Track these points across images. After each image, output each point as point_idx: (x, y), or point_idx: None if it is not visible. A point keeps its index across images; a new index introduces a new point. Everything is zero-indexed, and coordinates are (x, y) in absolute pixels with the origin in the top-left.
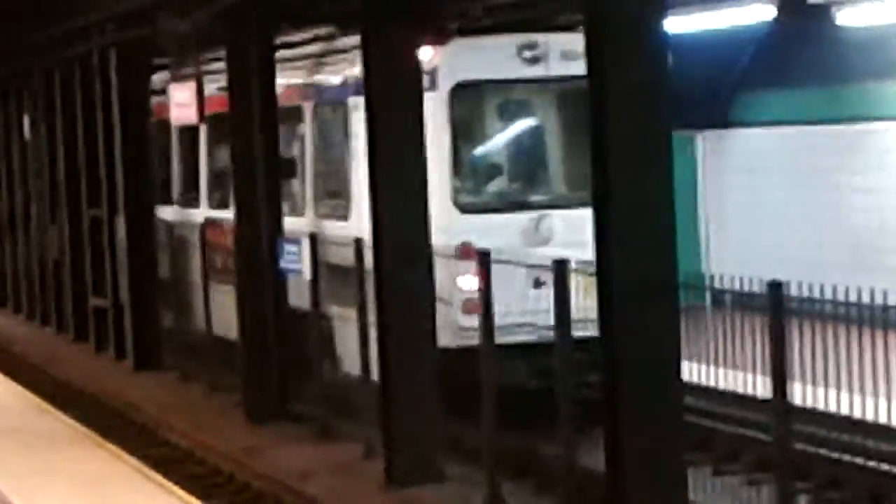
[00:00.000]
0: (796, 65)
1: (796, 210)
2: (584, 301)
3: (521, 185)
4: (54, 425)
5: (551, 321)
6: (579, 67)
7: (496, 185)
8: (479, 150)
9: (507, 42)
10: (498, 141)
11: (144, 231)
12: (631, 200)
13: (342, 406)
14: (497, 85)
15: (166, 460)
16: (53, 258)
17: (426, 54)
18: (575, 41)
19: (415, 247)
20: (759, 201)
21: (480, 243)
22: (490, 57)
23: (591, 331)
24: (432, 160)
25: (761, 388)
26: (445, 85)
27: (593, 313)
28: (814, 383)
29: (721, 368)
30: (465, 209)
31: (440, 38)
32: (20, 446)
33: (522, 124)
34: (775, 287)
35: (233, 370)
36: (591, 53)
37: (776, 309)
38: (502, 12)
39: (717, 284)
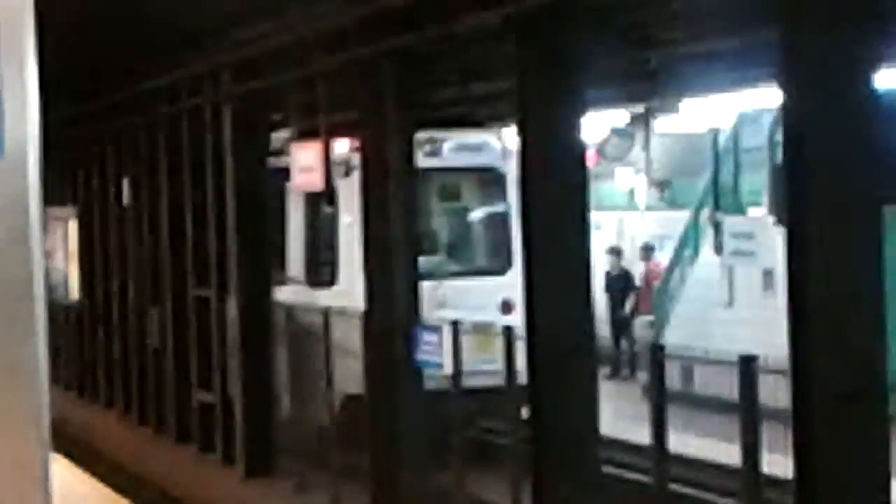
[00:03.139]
0: None
1: None
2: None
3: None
4: None
5: None
6: (469, 158)
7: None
8: None
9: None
10: None
11: (259, 314)
12: (832, 289)
13: None
14: None
15: None
16: (154, 345)
17: (342, 146)
18: (467, 136)
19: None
20: None
21: None
22: None
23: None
24: (350, 236)
25: None
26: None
27: None
28: None
29: None
30: None
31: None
32: None
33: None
34: None
35: (358, 477)
36: (787, 115)
37: None
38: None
39: None
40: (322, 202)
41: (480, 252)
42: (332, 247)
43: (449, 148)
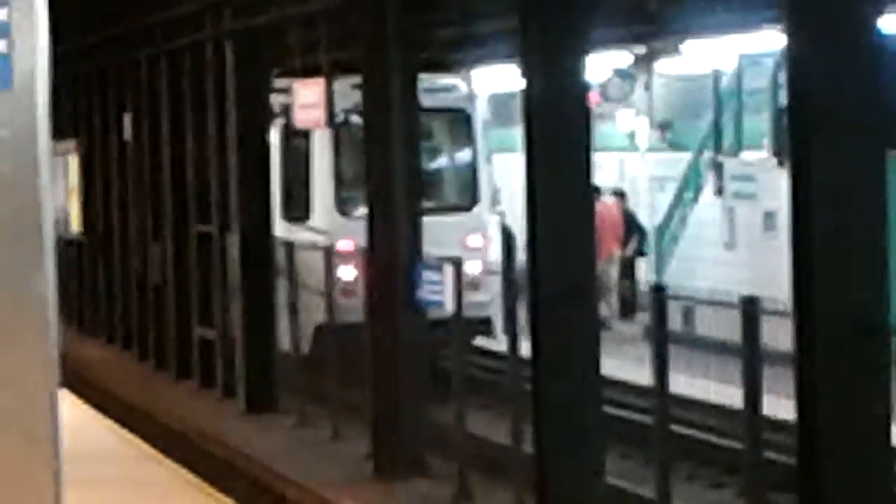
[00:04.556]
0: None
1: None
2: None
3: None
4: (162, 473)
5: None
6: (439, 100)
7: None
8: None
9: None
10: None
11: (261, 250)
12: (838, 231)
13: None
14: None
15: None
16: (155, 281)
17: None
18: (436, 78)
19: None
20: None
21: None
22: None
23: None
24: (321, 175)
25: None
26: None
27: None
28: None
29: None
30: (344, 213)
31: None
32: (135, 497)
33: None
34: None
35: (361, 414)
36: (791, 58)
37: None
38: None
39: None
40: (297, 139)
41: (450, 189)
42: (307, 183)
43: (419, 90)
